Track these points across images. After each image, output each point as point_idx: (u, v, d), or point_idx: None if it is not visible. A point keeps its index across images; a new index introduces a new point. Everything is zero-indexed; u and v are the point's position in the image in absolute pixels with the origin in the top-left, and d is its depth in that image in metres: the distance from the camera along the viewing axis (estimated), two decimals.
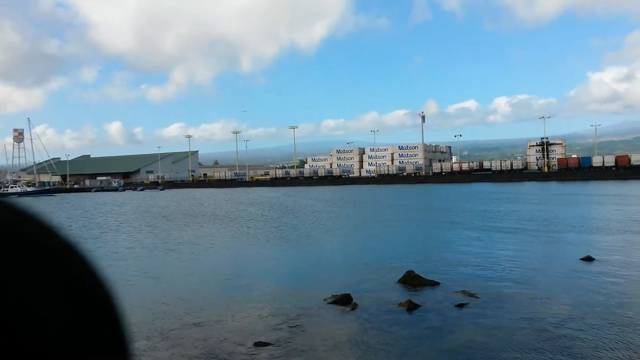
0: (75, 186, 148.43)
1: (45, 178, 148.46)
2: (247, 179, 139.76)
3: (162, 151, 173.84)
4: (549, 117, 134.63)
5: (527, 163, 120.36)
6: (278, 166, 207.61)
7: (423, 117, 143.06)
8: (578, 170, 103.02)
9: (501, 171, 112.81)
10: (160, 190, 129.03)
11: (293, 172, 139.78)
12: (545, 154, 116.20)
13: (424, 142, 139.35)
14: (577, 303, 12.25)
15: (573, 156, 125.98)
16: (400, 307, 12.33)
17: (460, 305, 12.28)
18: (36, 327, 0.51)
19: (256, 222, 36.10)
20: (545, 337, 9.95)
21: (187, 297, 14.28)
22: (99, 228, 35.87)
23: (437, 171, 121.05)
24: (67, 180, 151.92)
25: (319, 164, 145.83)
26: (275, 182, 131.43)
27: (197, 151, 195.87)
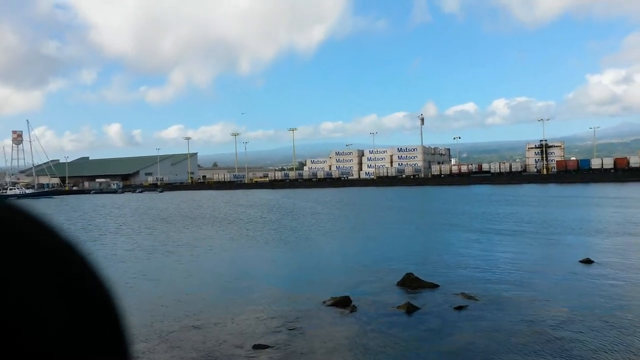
0: (74, 188, 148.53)
1: (44, 180, 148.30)
2: (246, 181, 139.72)
3: (161, 153, 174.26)
4: (547, 120, 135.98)
5: (526, 165, 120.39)
6: (277, 168, 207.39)
7: (422, 120, 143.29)
8: (577, 172, 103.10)
9: (500, 173, 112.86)
10: (159, 192, 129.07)
11: (292, 174, 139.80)
12: (544, 156, 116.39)
13: (423, 144, 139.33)
14: (576, 305, 12.24)
15: (572, 158, 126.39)
16: (399, 309, 12.32)
17: (460, 308, 12.27)
18: (36, 327, 0.51)
19: (255, 224, 36.07)
20: (545, 340, 9.95)
21: (186, 300, 14.26)
22: (98, 230, 35.82)
23: (436, 173, 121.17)
24: (66, 182, 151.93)
25: (318, 166, 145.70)
26: (274, 184, 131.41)
27: (196, 153, 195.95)
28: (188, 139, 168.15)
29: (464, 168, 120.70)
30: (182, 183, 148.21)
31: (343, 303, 12.82)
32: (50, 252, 0.57)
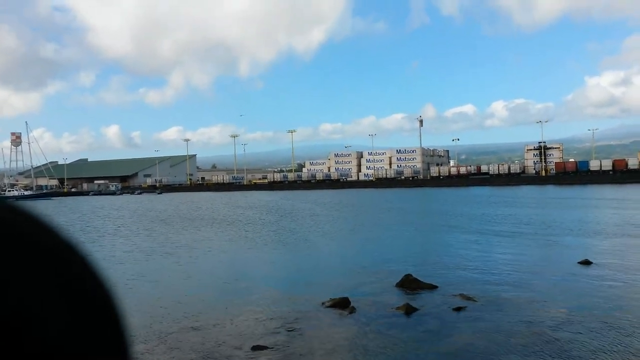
0: (73, 190, 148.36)
1: (42, 182, 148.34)
2: (245, 183, 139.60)
3: (160, 155, 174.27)
4: (546, 121, 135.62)
5: (524, 167, 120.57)
6: (276, 170, 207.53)
7: (421, 121, 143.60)
8: (575, 174, 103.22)
9: (499, 175, 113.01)
10: (158, 194, 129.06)
11: (291, 176, 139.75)
12: (543, 157, 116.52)
13: (422, 146, 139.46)
14: (575, 306, 12.26)
15: (570, 160, 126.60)
16: (398, 310, 12.33)
17: (458, 309, 12.29)
18: (37, 327, 0.51)
19: (254, 226, 36.07)
20: (543, 341, 9.96)
21: (185, 301, 14.26)
22: (97, 232, 35.80)
23: (435, 175, 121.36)
24: (65, 184, 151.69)
25: (317, 167, 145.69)
26: (273, 185, 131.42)
27: (195, 155, 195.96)
28: (187, 140, 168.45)
29: (462, 169, 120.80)
30: (180, 184, 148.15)
31: (342, 304, 12.83)
32: (51, 252, 0.57)
